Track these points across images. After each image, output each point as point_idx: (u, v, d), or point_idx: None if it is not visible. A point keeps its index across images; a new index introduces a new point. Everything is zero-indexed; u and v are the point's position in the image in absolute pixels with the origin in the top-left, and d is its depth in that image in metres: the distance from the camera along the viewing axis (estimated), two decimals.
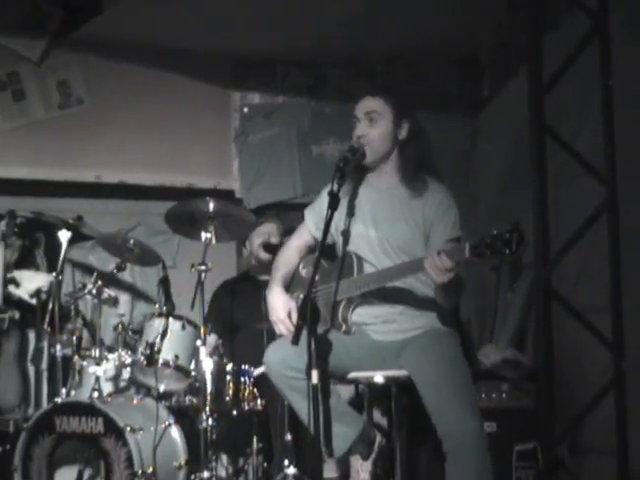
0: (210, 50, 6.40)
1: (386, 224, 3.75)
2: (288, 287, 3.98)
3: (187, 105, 6.55)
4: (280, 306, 3.83)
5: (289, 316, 3.78)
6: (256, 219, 5.33)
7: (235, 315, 5.34)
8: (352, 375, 3.80)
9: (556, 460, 4.57)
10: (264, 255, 5.40)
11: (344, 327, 3.76)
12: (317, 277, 3.54)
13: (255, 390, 4.74)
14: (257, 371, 4.68)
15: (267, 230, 5.50)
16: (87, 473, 4.44)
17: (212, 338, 4.84)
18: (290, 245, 4.10)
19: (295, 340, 3.31)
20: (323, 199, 3.68)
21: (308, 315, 3.31)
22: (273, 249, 5.29)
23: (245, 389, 4.71)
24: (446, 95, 6.76)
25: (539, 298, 4.78)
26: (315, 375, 3.29)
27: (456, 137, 6.76)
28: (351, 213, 3.80)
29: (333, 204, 3.54)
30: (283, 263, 4.04)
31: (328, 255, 3.89)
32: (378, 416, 4.43)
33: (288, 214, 6.38)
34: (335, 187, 3.56)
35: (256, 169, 6.66)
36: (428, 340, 3.70)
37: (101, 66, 6.37)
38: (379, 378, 3.78)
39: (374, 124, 3.77)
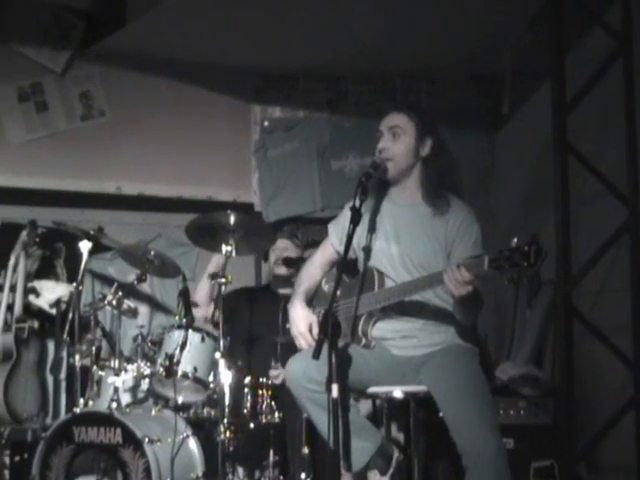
0: (232, 64, 6.43)
1: (408, 240, 3.76)
2: (311, 302, 4.00)
3: (208, 118, 6.57)
4: (301, 320, 3.84)
5: (310, 330, 3.80)
6: (275, 233, 5.35)
7: (252, 325, 5.34)
8: (371, 390, 3.80)
9: (576, 478, 4.56)
10: (281, 270, 5.42)
11: (364, 341, 3.77)
12: (339, 292, 3.55)
13: (273, 403, 4.75)
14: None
15: (282, 246, 5.50)
16: None
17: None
18: (314, 260, 4.12)
19: (316, 354, 3.31)
20: (346, 214, 3.69)
21: (329, 329, 3.32)
22: (292, 263, 5.32)
23: (263, 402, 4.72)
24: (465, 111, 6.76)
25: (560, 316, 4.79)
26: (335, 389, 3.30)
27: (475, 153, 6.75)
28: (373, 228, 3.82)
29: (355, 219, 3.55)
30: (306, 278, 4.06)
31: (350, 270, 3.90)
32: (394, 431, 4.45)
33: (307, 228, 6.41)
34: (357, 202, 3.57)
35: (275, 183, 6.67)
36: (448, 356, 3.70)
37: (123, 78, 6.40)
38: (398, 393, 3.78)
39: (397, 139, 3.79)
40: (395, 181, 3.84)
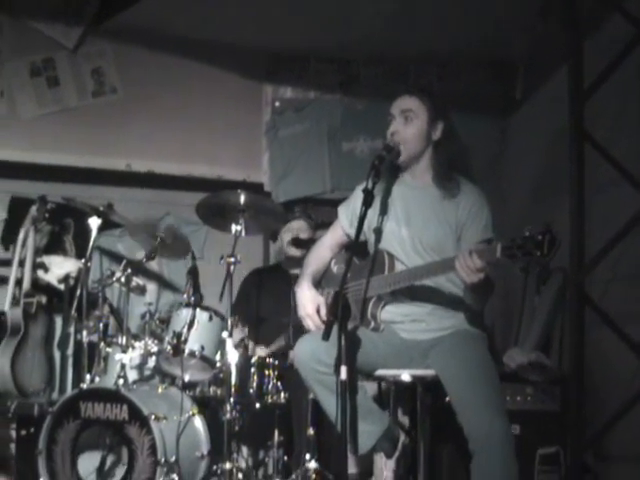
0: (244, 43, 6.40)
1: (419, 223, 3.76)
2: (319, 283, 4.00)
3: (219, 97, 6.55)
4: (309, 301, 3.85)
5: (317, 312, 3.80)
6: (285, 213, 5.34)
7: (262, 305, 5.35)
8: (379, 372, 3.81)
9: (584, 466, 4.56)
10: (293, 251, 5.42)
11: (373, 324, 3.77)
12: (348, 274, 3.54)
13: (279, 383, 4.76)
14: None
15: (297, 226, 5.51)
16: (110, 459, 4.45)
17: (240, 330, 4.86)
18: (323, 242, 4.12)
19: (326, 335, 3.30)
20: (357, 196, 3.68)
21: (339, 311, 3.31)
22: (302, 244, 5.31)
23: (269, 382, 4.72)
24: (477, 96, 6.73)
25: (572, 304, 4.78)
26: (344, 371, 3.29)
27: (486, 139, 6.72)
28: (384, 211, 3.81)
29: (367, 201, 3.53)
30: (314, 260, 4.06)
31: (360, 253, 3.89)
32: (400, 415, 4.45)
33: (316, 209, 6.39)
34: (370, 185, 3.55)
35: (286, 163, 6.66)
36: (456, 340, 3.70)
37: (135, 55, 6.37)
38: (406, 376, 3.78)
39: (409, 122, 3.78)
40: (406, 165, 3.83)
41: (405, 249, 3.76)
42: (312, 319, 3.81)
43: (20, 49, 6.18)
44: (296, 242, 5.36)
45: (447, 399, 3.63)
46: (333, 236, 4.08)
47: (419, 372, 3.77)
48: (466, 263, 3.27)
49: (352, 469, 4.68)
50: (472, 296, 3.59)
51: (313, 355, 3.57)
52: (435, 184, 3.79)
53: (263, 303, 5.38)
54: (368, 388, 3.95)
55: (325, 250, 4.08)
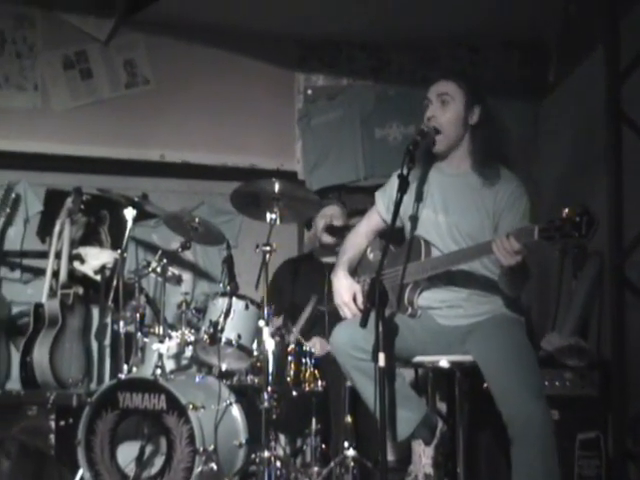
0: (275, 31, 6.40)
1: (456, 210, 3.74)
2: (355, 271, 3.99)
3: (251, 86, 6.55)
4: (345, 289, 3.85)
5: (354, 299, 3.79)
6: (319, 201, 5.32)
7: (296, 295, 5.35)
8: (417, 359, 3.80)
9: (624, 451, 4.53)
10: (327, 238, 5.41)
11: (410, 310, 3.77)
12: (385, 261, 3.53)
13: (316, 371, 4.75)
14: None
15: (330, 212, 5.49)
16: (149, 449, 4.46)
17: (275, 319, 4.86)
18: (359, 229, 4.11)
19: (363, 322, 3.30)
20: (393, 182, 3.66)
21: (377, 298, 3.30)
22: (337, 232, 5.30)
23: (306, 370, 4.72)
24: (509, 80, 6.69)
25: (612, 287, 4.74)
26: (382, 358, 3.28)
27: (519, 122, 6.65)
28: (420, 197, 3.80)
29: (402, 187, 3.51)
30: (350, 247, 4.05)
31: (396, 239, 3.88)
32: (437, 401, 4.43)
33: (350, 197, 6.39)
34: (405, 170, 3.53)
35: (319, 151, 6.64)
36: (494, 325, 3.69)
37: (167, 46, 6.39)
38: (444, 362, 3.78)
39: (446, 107, 3.76)
40: (445, 153, 3.81)
41: (442, 236, 3.75)
42: (349, 307, 3.81)
43: (53, 42, 6.23)
44: (330, 229, 5.35)
45: (485, 385, 3.61)
46: (369, 223, 4.06)
47: (457, 358, 3.76)
48: (503, 245, 3.25)
49: (390, 456, 4.68)
50: (508, 281, 3.56)
51: (351, 342, 3.57)
52: (473, 171, 3.77)
53: (297, 293, 5.37)
54: (405, 375, 3.94)
55: (361, 237, 4.07)
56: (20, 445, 4.79)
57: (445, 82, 3.80)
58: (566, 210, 3.06)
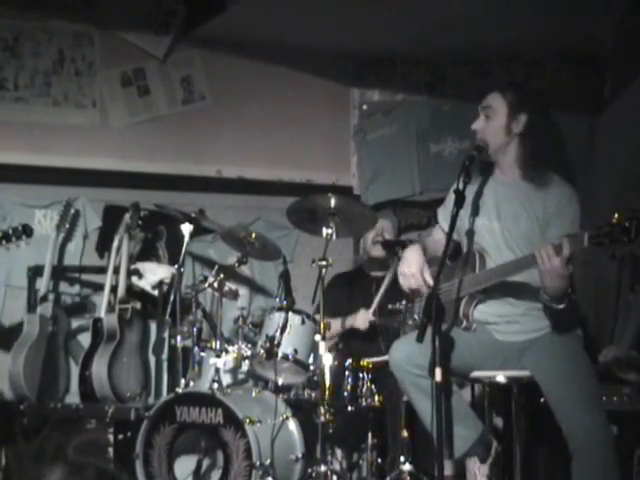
0: (330, 48, 6.44)
1: (508, 216, 3.74)
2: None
3: (306, 102, 6.60)
4: (415, 261, 3.81)
5: (421, 273, 3.77)
6: (375, 216, 5.32)
7: (352, 310, 5.34)
8: (474, 374, 3.78)
9: None
10: (377, 251, 5.38)
11: (465, 323, 3.75)
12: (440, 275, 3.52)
13: (373, 386, 4.74)
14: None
15: (380, 226, 5.46)
16: (206, 463, 4.50)
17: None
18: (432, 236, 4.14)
19: (420, 337, 3.29)
20: (451, 197, 3.66)
21: (433, 312, 3.29)
22: (388, 246, 5.28)
23: (363, 385, 4.71)
24: (565, 94, 6.63)
25: None
26: (439, 373, 3.27)
27: (574, 136, 6.61)
28: (477, 211, 3.79)
29: (459, 202, 3.53)
30: (428, 239, 4.09)
31: (451, 254, 3.87)
32: (493, 417, 4.40)
33: (405, 211, 6.39)
34: (461, 185, 3.53)
35: (374, 166, 6.67)
36: (551, 341, 3.67)
37: (223, 62, 6.48)
38: (501, 378, 3.75)
39: (489, 120, 3.80)
40: (493, 159, 3.81)
41: (497, 241, 3.75)
42: (415, 278, 3.78)
43: (111, 60, 6.34)
44: (384, 244, 5.33)
45: (542, 400, 3.59)
46: (434, 239, 4.07)
47: (514, 373, 3.73)
48: (547, 253, 3.26)
49: (447, 471, 4.65)
50: (548, 289, 3.47)
51: (408, 358, 3.57)
52: (524, 178, 3.76)
53: (353, 307, 5.36)
54: (462, 394, 3.92)
55: (436, 239, 4.07)
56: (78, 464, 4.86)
57: (491, 95, 3.82)
58: (615, 215, 3.04)
